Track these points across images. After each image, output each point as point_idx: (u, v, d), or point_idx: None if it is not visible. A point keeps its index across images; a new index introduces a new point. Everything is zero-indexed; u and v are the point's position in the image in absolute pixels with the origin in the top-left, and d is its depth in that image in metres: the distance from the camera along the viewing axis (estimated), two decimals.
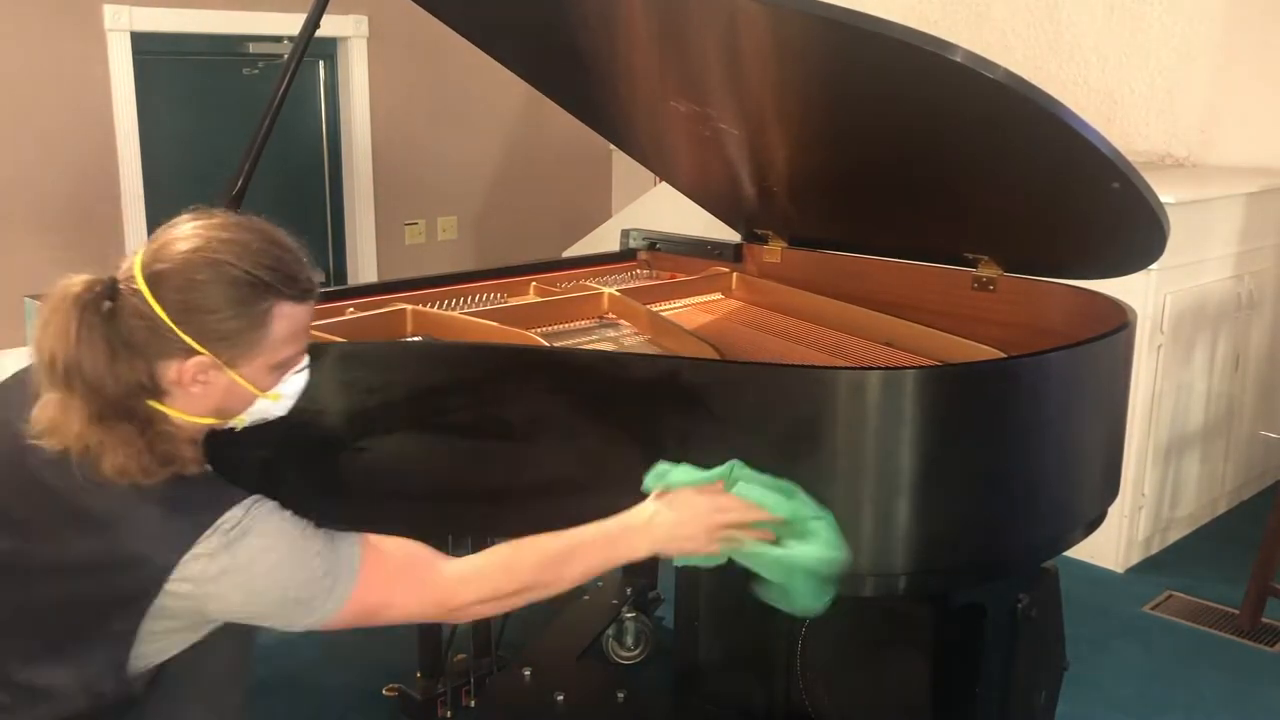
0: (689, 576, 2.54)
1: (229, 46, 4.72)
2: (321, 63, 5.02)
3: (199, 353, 1.31)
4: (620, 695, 2.44)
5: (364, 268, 5.14)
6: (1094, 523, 2.03)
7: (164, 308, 1.29)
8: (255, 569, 1.31)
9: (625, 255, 2.98)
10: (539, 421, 1.85)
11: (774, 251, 2.75)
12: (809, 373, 1.89)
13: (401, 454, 1.85)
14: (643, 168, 3.54)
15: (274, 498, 1.40)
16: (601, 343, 2.36)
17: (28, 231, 4.17)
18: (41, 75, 4.16)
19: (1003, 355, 2.14)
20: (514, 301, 2.59)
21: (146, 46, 4.42)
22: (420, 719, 2.59)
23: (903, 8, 4.86)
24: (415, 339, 2.30)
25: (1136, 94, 4.47)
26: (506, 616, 2.81)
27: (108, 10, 4.28)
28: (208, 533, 1.29)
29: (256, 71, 4.82)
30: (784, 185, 2.52)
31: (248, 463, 1.53)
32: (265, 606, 1.34)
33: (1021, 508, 1.88)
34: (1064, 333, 2.08)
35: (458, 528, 2.03)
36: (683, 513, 1.49)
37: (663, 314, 2.44)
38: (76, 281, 1.32)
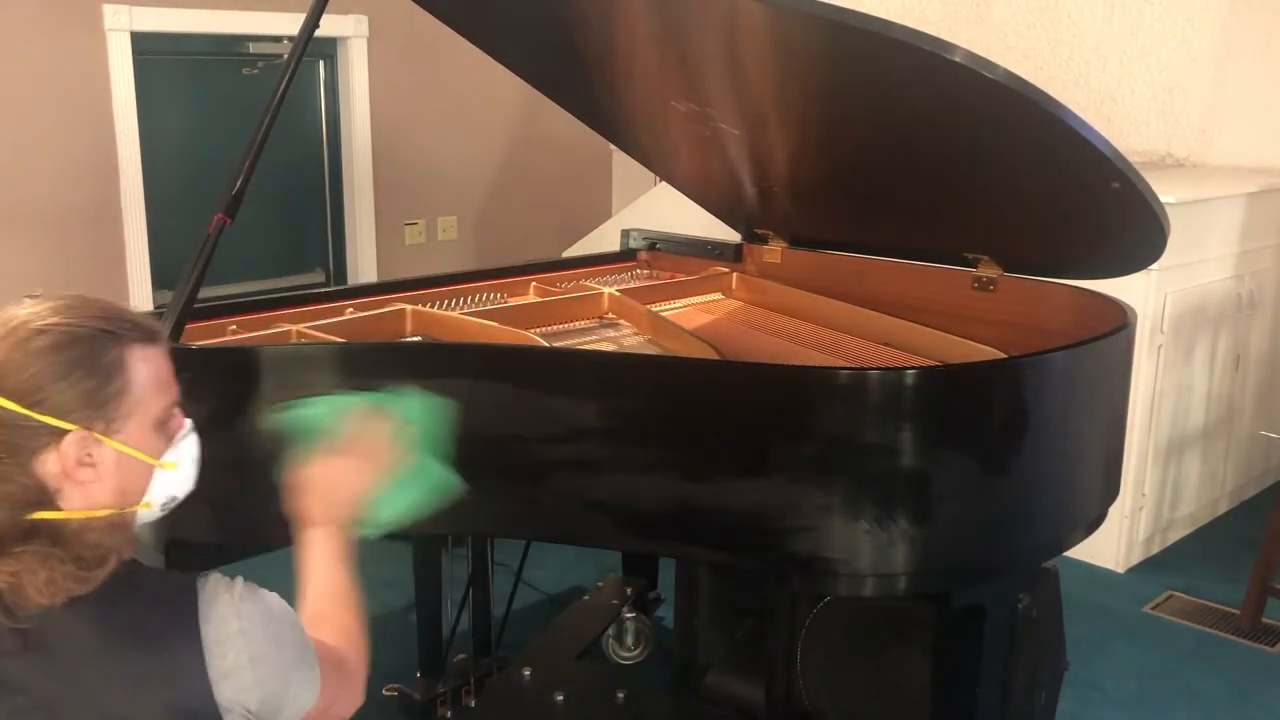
0: (689, 576, 2.54)
1: (229, 46, 4.71)
2: (321, 63, 5.01)
3: (66, 429, 1.17)
4: (620, 695, 2.44)
5: (364, 268, 5.12)
6: (1094, 523, 2.03)
7: (10, 399, 1.16)
8: (253, 618, 1.19)
9: (625, 255, 2.97)
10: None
11: (774, 252, 2.74)
12: (809, 372, 1.89)
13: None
14: (643, 168, 3.53)
15: None
16: (601, 343, 2.36)
17: (27, 231, 4.16)
18: (41, 75, 4.15)
19: (1003, 355, 2.14)
20: (514, 301, 2.59)
21: (146, 46, 4.41)
22: (420, 719, 2.59)
23: (902, 8, 4.85)
24: (414, 339, 2.30)
25: (1136, 94, 4.47)
26: (507, 615, 2.81)
27: (108, 10, 4.27)
28: (202, 597, 1.17)
29: (256, 71, 4.81)
30: (784, 185, 2.52)
31: None
32: (270, 658, 1.19)
33: (1021, 508, 1.87)
34: (1064, 333, 2.08)
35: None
36: (319, 477, 1.38)
37: (663, 314, 2.44)
38: None
